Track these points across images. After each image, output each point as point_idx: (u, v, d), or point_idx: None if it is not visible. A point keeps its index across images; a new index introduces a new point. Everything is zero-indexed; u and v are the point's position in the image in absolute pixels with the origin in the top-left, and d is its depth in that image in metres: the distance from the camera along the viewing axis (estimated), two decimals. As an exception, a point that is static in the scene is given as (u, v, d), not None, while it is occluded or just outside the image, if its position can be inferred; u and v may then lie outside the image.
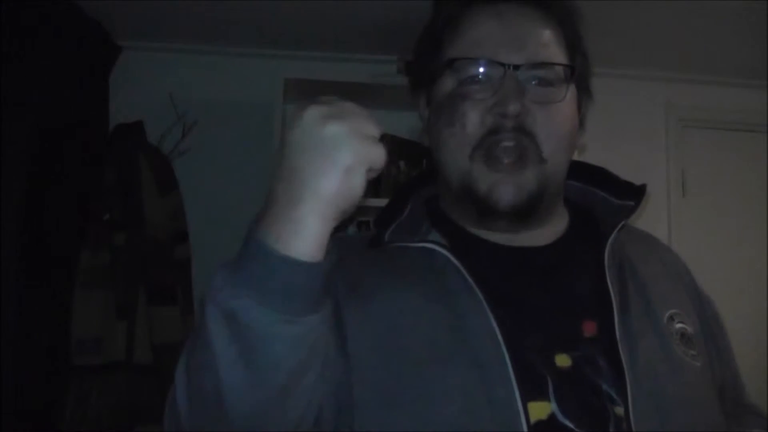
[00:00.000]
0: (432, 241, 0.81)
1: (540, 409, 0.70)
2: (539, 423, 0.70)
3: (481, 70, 0.81)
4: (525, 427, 0.68)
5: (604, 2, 2.23)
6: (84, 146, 2.35)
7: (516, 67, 0.79)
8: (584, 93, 0.90)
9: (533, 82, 0.81)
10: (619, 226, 0.84)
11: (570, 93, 0.83)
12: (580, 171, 0.93)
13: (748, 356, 2.74)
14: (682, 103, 3.00)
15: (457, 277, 0.77)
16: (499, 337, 0.72)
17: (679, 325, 0.81)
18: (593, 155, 2.52)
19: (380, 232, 0.85)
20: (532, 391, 0.71)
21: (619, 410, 0.72)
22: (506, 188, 0.79)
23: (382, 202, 0.91)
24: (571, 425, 0.70)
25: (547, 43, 0.82)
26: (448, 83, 0.83)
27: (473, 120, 0.80)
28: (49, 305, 2.14)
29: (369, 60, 2.73)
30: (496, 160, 0.79)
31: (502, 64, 0.79)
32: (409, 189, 0.94)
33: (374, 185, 2.58)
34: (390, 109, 2.75)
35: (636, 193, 0.88)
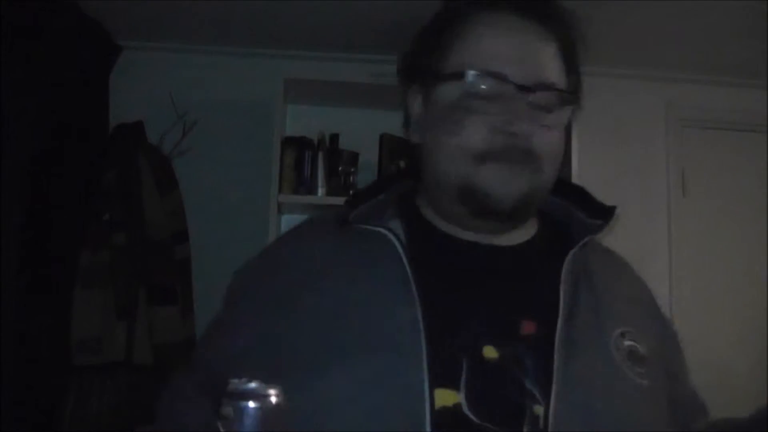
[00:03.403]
0: (386, 227, 0.83)
1: (446, 397, 0.72)
2: (443, 409, 0.71)
3: (491, 87, 0.81)
4: (428, 412, 0.70)
5: (604, 2, 2.23)
6: (84, 146, 2.35)
7: (526, 89, 0.80)
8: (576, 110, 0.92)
9: (539, 104, 0.82)
10: (584, 240, 0.87)
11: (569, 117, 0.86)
12: (563, 189, 0.96)
13: (748, 356, 2.75)
14: (682, 103, 3.00)
15: (399, 266, 0.79)
16: (421, 325, 0.75)
17: (628, 343, 0.82)
18: (594, 155, 2.53)
19: (347, 212, 0.87)
20: (442, 378, 0.73)
21: (539, 409, 0.73)
22: (510, 188, 0.81)
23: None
24: (472, 416, 0.72)
25: (549, 64, 0.84)
26: (452, 92, 0.83)
27: (480, 134, 0.81)
28: (50, 305, 2.15)
29: (369, 60, 2.73)
30: (505, 163, 0.81)
31: (514, 84, 0.80)
32: (389, 179, 0.98)
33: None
34: (390, 109, 2.75)
35: (607, 213, 0.92)
